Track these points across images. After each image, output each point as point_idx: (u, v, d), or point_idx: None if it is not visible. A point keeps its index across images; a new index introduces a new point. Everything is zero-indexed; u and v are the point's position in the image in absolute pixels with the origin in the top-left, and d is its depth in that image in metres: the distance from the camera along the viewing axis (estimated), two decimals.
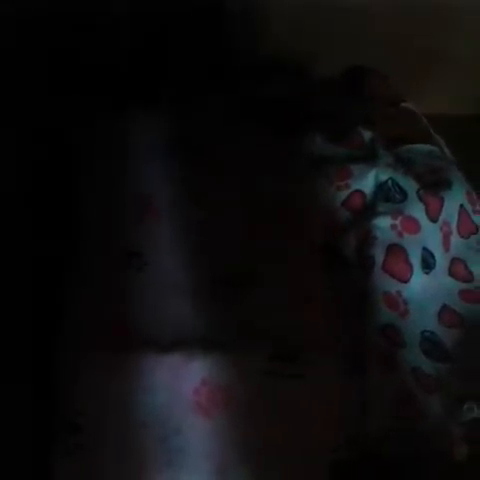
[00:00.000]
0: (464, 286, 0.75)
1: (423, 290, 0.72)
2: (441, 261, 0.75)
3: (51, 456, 0.61)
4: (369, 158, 0.79)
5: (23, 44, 0.76)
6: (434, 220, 0.75)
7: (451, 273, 0.76)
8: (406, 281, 0.71)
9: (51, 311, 0.67)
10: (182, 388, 0.63)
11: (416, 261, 0.73)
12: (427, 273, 0.73)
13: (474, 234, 0.79)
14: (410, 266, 0.72)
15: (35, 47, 0.78)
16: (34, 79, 0.79)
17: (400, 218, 0.74)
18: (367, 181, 0.76)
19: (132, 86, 0.84)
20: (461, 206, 0.78)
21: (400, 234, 0.73)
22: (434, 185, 0.78)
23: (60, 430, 0.62)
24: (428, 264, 0.74)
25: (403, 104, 0.89)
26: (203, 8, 0.90)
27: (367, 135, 0.81)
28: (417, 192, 0.76)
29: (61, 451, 0.62)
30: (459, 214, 0.78)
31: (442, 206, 0.76)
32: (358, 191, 0.76)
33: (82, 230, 0.72)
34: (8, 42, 0.74)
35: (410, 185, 0.76)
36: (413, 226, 0.74)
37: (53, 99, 0.79)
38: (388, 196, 0.76)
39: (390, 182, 0.76)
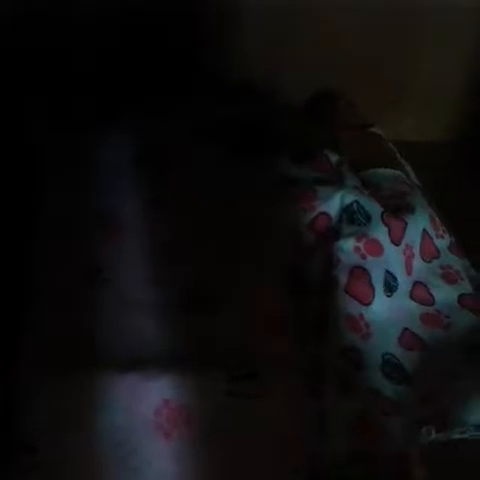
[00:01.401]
0: (425, 309, 0.76)
1: (385, 313, 0.72)
2: (403, 284, 0.76)
3: (6, 476, 0.60)
4: (335, 181, 0.79)
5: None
6: (397, 243, 0.76)
7: (413, 296, 0.76)
8: (368, 304, 0.72)
9: (10, 327, 0.67)
10: (142, 408, 0.62)
11: (379, 284, 0.73)
12: (389, 296, 0.74)
13: (436, 258, 0.80)
14: (372, 289, 0.72)
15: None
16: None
17: (364, 240, 0.74)
18: (333, 203, 0.77)
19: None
20: (424, 230, 0.79)
21: (363, 256, 0.74)
22: (398, 209, 0.78)
23: (16, 449, 0.61)
24: (390, 287, 0.74)
25: (370, 129, 0.91)
26: (175, 25, 0.91)
27: (333, 158, 0.82)
28: (381, 215, 0.76)
29: (17, 471, 0.61)
30: (422, 238, 0.79)
31: (405, 230, 0.77)
32: (324, 213, 0.76)
33: (43, 244, 0.72)
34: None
35: (374, 208, 0.77)
36: (376, 249, 0.75)
37: (26, 100, 0.79)
38: (352, 218, 0.76)
39: (355, 205, 0.77)
